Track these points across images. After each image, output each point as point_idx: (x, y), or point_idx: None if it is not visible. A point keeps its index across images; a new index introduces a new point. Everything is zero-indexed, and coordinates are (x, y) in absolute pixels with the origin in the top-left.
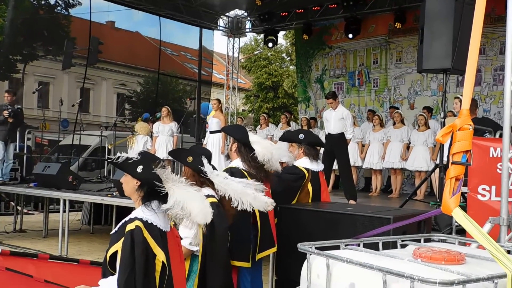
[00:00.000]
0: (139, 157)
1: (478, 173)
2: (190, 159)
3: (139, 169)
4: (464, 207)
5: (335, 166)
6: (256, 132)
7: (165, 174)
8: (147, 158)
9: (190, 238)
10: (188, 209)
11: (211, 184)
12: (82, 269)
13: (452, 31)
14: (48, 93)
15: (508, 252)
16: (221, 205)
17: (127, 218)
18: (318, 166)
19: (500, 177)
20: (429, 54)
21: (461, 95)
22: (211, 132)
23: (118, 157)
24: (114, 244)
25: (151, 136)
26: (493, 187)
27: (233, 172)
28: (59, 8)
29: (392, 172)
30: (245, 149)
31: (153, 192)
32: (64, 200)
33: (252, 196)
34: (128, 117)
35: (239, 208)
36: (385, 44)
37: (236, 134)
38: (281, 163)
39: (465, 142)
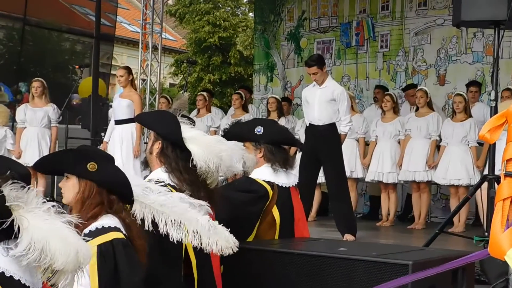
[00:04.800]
0: None
1: None
2: (93, 166)
3: None
4: None
5: (322, 177)
6: (194, 124)
7: (16, 195)
8: None
9: None
10: (51, 253)
11: (120, 209)
12: None
13: None
14: None
15: None
16: (131, 243)
17: None
18: (288, 179)
19: None
20: None
21: None
22: (118, 122)
23: None
24: None
25: (13, 127)
26: None
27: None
28: None
29: (414, 187)
30: (174, 152)
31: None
32: None
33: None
34: None
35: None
36: None
37: (160, 126)
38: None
39: None
